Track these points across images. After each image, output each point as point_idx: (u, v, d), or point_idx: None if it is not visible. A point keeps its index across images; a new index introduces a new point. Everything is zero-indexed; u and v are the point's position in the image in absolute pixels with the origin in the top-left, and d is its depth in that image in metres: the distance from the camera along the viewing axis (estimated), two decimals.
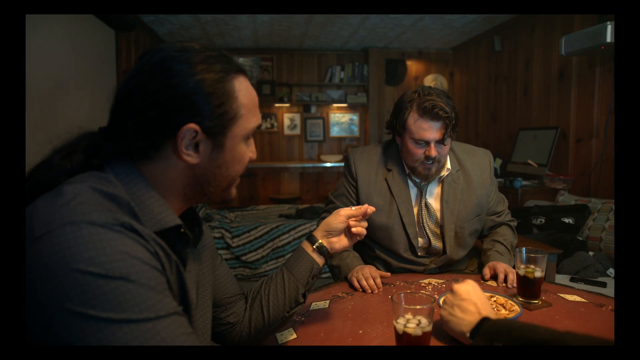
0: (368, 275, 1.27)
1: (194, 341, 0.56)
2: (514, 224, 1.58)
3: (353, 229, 1.00)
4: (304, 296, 0.99)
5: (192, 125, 0.63)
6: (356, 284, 1.27)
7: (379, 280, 1.27)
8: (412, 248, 1.46)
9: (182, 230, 0.68)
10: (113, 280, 0.50)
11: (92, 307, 0.49)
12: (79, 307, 0.49)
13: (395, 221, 1.44)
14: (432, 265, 1.46)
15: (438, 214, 1.45)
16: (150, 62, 0.65)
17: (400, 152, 1.45)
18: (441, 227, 1.45)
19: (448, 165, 1.44)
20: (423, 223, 1.45)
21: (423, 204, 1.45)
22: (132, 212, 0.60)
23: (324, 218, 1.52)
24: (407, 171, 1.45)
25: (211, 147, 0.67)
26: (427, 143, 1.32)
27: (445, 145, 1.34)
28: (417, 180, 1.44)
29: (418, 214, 1.46)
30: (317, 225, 1.07)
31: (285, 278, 0.98)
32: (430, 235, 1.45)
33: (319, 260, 0.99)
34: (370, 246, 1.54)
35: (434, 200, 1.46)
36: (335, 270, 1.43)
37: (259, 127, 0.74)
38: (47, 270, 0.50)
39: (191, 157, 0.65)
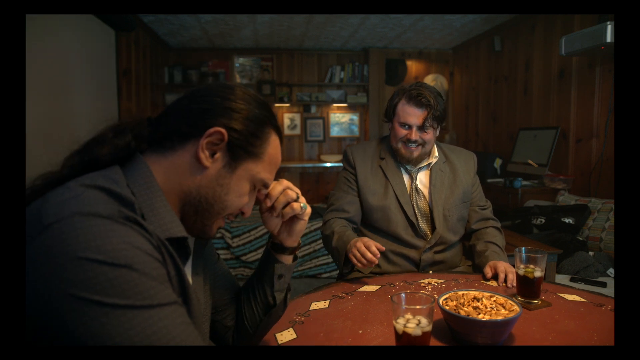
0: (363, 249, 1.30)
1: (193, 331, 0.59)
2: (499, 225, 1.66)
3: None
4: (274, 298, 0.91)
5: (222, 130, 0.69)
6: (355, 261, 1.32)
7: (374, 249, 1.29)
8: (412, 226, 1.56)
9: (185, 243, 0.71)
10: (117, 268, 0.53)
11: (96, 293, 0.51)
12: (83, 292, 0.51)
13: (392, 201, 1.57)
14: (427, 245, 1.54)
15: (427, 198, 1.59)
16: (219, 81, 0.75)
17: (390, 135, 1.61)
18: (430, 210, 1.58)
19: (436, 154, 1.63)
20: (414, 205, 1.58)
21: (414, 188, 1.60)
22: (135, 212, 0.62)
23: (327, 221, 1.56)
24: (399, 159, 1.60)
25: (225, 162, 0.71)
26: (410, 127, 1.52)
27: (427, 132, 1.52)
28: (408, 168, 1.61)
29: (410, 196, 1.59)
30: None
31: (255, 281, 0.92)
32: (419, 217, 1.58)
33: (285, 258, 0.91)
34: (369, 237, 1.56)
35: (423, 186, 1.61)
36: (334, 253, 1.46)
37: (265, 186, 0.78)
38: (54, 257, 0.52)
39: (205, 157, 0.69)
